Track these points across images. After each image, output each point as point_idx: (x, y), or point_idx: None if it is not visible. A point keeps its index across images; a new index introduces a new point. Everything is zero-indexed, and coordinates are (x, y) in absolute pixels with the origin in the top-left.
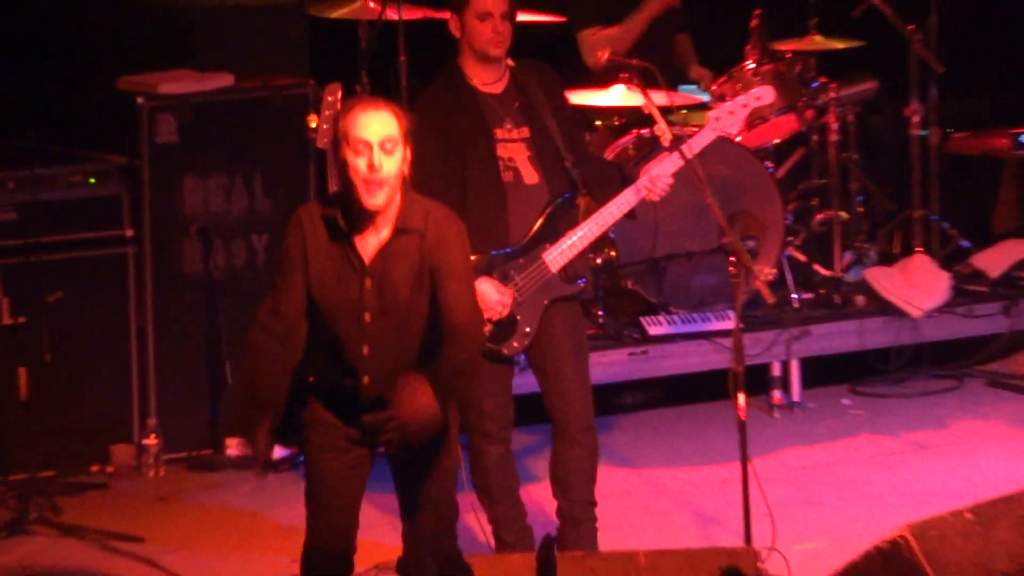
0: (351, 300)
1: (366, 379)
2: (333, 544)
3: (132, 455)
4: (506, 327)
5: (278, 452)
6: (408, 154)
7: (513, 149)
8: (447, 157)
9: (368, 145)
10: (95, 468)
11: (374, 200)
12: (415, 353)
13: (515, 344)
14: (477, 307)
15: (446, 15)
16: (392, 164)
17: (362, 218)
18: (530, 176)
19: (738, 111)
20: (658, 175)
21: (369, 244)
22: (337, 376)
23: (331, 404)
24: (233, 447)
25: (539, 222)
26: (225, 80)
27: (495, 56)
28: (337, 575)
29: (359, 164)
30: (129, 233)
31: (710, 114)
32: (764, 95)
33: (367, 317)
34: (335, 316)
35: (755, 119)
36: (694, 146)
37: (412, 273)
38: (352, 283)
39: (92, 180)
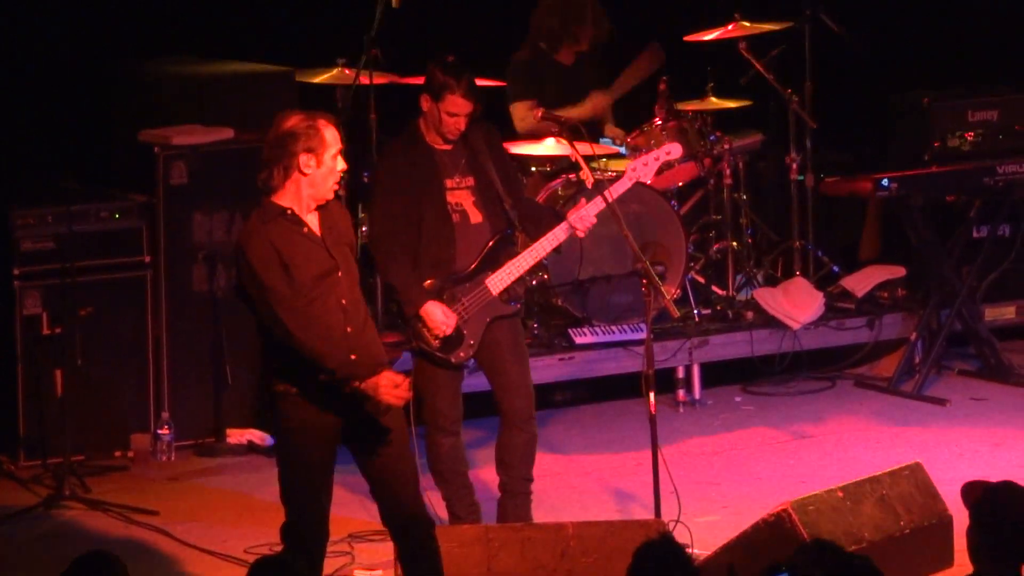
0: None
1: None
2: (316, 517)
3: (148, 443)
4: (454, 340)
5: (268, 440)
6: None
7: (460, 195)
8: (405, 201)
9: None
10: (118, 453)
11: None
12: None
13: (461, 354)
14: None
15: (412, 80)
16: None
17: (310, 209)
18: (475, 217)
19: (651, 163)
20: (584, 215)
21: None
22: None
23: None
24: (232, 436)
25: (483, 253)
26: (227, 133)
27: (450, 140)
28: (316, 545)
29: (338, 165)
30: (147, 259)
31: (628, 165)
32: (674, 151)
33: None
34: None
35: (663, 166)
36: (616, 191)
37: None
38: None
39: (117, 215)
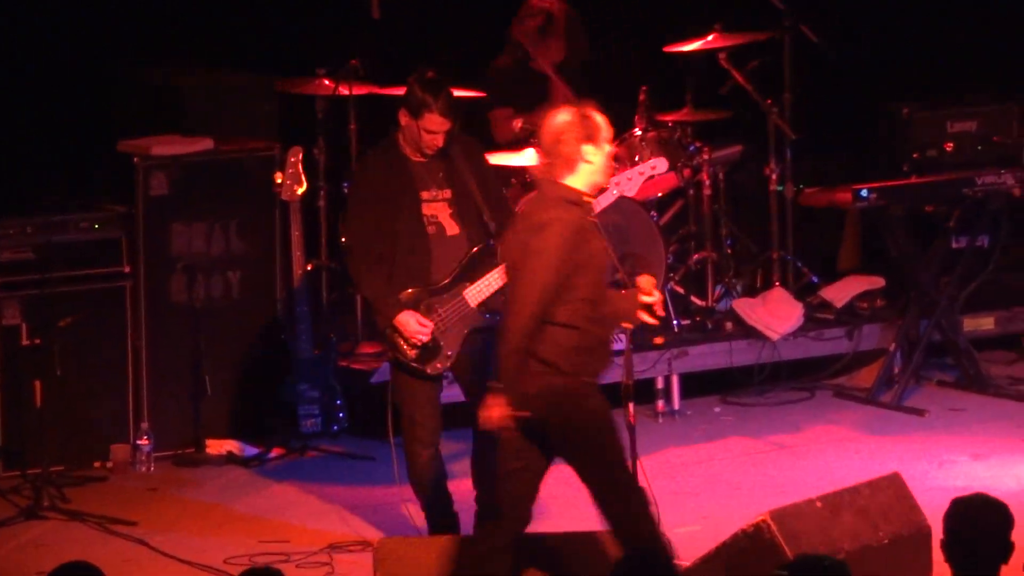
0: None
1: None
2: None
3: (128, 453)
4: (431, 351)
5: (248, 450)
6: None
7: (436, 207)
8: (380, 212)
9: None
10: (97, 464)
11: None
12: None
13: (438, 365)
14: None
15: (392, 91)
16: None
17: None
18: (452, 229)
19: (636, 178)
20: None
21: None
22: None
23: None
24: (212, 447)
25: (461, 265)
26: (207, 144)
27: (427, 155)
28: None
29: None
30: (127, 269)
31: (613, 179)
32: (659, 165)
33: None
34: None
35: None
36: (600, 204)
37: None
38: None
39: (96, 226)
